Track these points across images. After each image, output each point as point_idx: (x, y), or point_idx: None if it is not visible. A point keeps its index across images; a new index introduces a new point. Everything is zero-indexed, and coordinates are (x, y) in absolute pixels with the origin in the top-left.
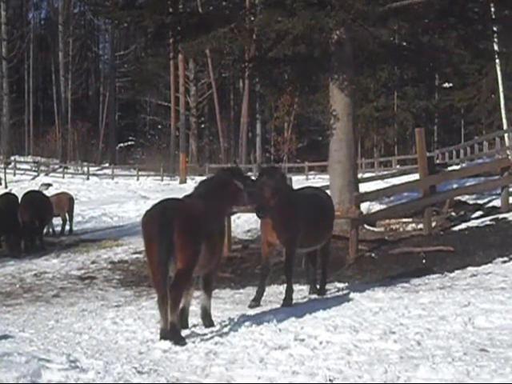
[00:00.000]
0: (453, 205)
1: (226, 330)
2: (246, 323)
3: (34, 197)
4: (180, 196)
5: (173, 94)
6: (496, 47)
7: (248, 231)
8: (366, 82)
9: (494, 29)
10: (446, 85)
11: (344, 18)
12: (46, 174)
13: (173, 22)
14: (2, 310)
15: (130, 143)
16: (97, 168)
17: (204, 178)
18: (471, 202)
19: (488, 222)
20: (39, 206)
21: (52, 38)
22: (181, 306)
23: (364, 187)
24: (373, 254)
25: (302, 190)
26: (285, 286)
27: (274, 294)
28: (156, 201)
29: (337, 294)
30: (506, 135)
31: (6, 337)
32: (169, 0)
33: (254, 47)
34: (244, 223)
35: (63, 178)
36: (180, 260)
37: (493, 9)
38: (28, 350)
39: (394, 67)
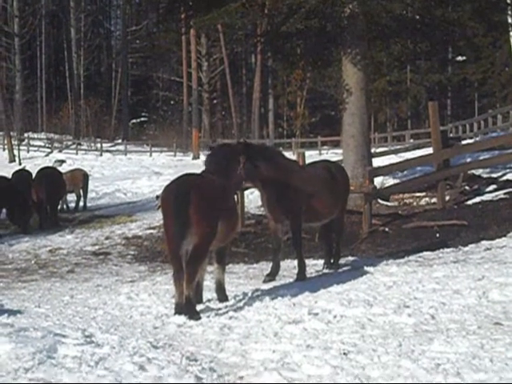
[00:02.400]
0: (466, 179)
1: (240, 304)
2: (260, 298)
3: (48, 173)
4: (193, 171)
5: (185, 69)
6: (510, 19)
7: (261, 206)
8: (378, 56)
9: (508, 1)
10: (460, 58)
11: None
12: (60, 151)
13: None
14: (18, 285)
15: (142, 119)
16: (110, 144)
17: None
18: (485, 175)
19: (502, 196)
20: (53, 182)
21: (64, 14)
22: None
23: (377, 162)
24: (386, 229)
25: (311, 164)
26: None
27: (288, 268)
28: (169, 177)
29: (351, 268)
30: None
31: (21, 312)
32: None
33: (266, 22)
34: (257, 198)
35: (76, 154)
36: (197, 234)
37: None
38: (44, 325)
39: (406, 41)
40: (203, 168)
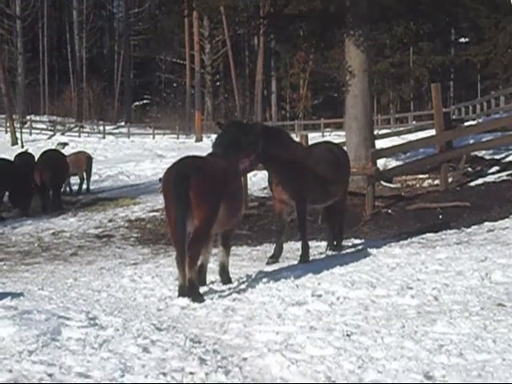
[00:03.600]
0: (469, 160)
1: (243, 286)
2: (264, 280)
3: (51, 156)
4: (196, 154)
5: (188, 51)
6: None
7: (264, 188)
8: (381, 38)
9: None
10: (462, 39)
11: None
12: (62, 134)
13: None
14: (21, 268)
15: (145, 102)
16: (113, 127)
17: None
18: (488, 157)
19: (505, 177)
20: (57, 165)
21: None
22: (199, 263)
23: (380, 143)
24: (389, 210)
25: (315, 145)
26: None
27: (291, 250)
28: (172, 159)
29: (354, 250)
30: None
31: (25, 295)
32: None
33: (269, 3)
34: (260, 180)
35: (79, 137)
36: (197, 217)
37: None
38: (47, 307)
39: (409, 22)
40: (210, 150)
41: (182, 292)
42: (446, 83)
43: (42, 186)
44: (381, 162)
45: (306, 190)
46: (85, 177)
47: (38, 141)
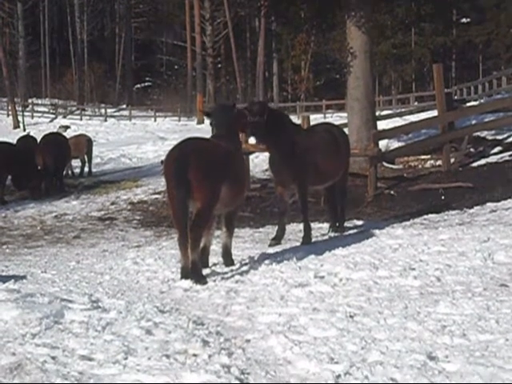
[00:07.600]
0: (471, 141)
1: (246, 268)
2: (266, 261)
3: (53, 139)
4: (198, 136)
5: (189, 33)
6: None
7: (266, 170)
8: (383, 19)
9: None
10: (464, 20)
11: None
12: (64, 117)
13: None
14: (24, 251)
15: (146, 84)
16: (114, 109)
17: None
18: (490, 137)
19: (507, 158)
20: (59, 147)
21: None
22: (202, 244)
23: (382, 125)
24: (392, 192)
25: (314, 127)
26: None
27: (294, 232)
28: (174, 141)
29: (356, 231)
30: None
31: (28, 278)
32: None
33: None
34: (262, 162)
35: (81, 119)
36: (198, 199)
37: None
38: (50, 290)
39: (411, 3)
40: (212, 131)
41: (185, 274)
42: (447, 64)
43: (45, 169)
44: (383, 143)
45: (306, 172)
46: (86, 160)
47: (39, 124)
